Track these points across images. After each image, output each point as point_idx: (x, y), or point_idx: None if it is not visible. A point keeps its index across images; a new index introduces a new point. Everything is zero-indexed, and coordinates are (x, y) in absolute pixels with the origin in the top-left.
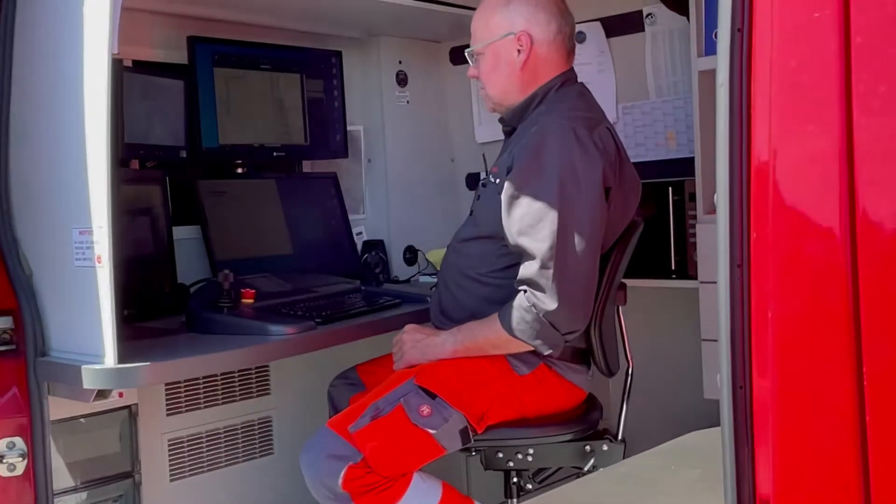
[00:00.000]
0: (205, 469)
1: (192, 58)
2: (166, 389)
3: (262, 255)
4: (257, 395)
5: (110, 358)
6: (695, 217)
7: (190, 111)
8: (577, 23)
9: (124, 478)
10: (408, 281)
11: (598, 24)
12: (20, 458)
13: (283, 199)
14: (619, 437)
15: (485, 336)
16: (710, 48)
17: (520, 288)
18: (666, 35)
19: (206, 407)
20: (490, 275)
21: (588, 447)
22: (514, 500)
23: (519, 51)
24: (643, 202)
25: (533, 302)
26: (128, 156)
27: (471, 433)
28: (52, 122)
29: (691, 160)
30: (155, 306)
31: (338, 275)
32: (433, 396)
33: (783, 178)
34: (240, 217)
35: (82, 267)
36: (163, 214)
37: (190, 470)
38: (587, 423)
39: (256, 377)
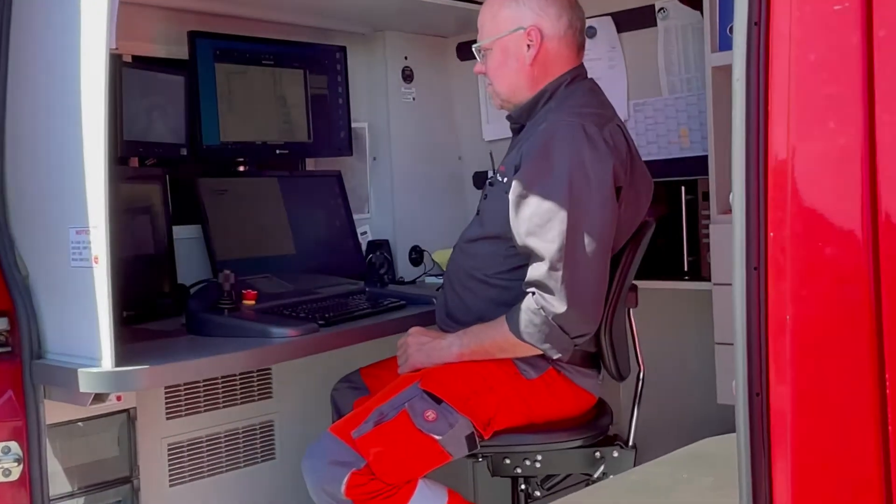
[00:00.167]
0: (205, 474)
1: (193, 53)
2: (166, 393)
3: (264, 255)
4: (259, 399)
5: (108, 360)
6: (708, 217)
7: (190, 108)
8: (588, 17)
9: (123, 483)
10: (413, 282)
11: (608, 18)
12: (15, 463)
13: (285, 198)
14: (630, 444)
15: (492, 339)
16: (724, 43)
17: (528, 290)
18: (679, 30)
19: (206, 410)
20: (497, 276)
21: (598, 454)
22: None
23: (529, 46)
24: (655, 201)
25: (541, 304)
26: (127, 153)
27: (477, 439)
28: (49, 118)
29: (704, 158)
30: (154, 308)
31: (341, 275)
32: (438, 401)
33: (802, 177)
34: (241, 216)
35: (79, 267)
36: (162, 213)
37: (190, 475)
38: (597, 429)
39: (258, 380)
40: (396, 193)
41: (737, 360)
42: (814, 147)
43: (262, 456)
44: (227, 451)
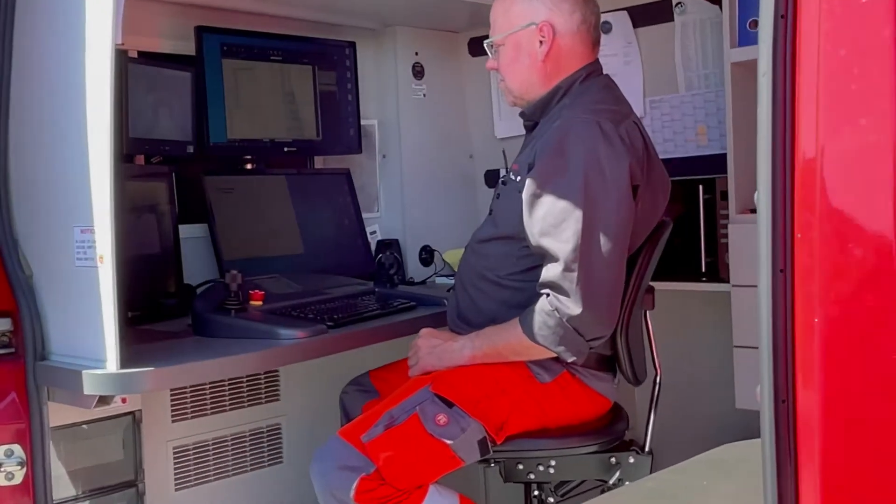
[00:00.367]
0: (211, 478)
1: (200, 48)
2: (171, 395)
3: (272, 254)
4: (266, 402)
5: (112, 362)
6: (727, 217)
7: (197, 104)
8: (603, 12)
9: (127, 487)
10: (423, 283)
11: (624, 13)
12: (19, 467)
13: (293, 197)
14: (647, 449)
15: (505, 342)
16: (743, 38)
17: (542, 291)
18: (696, 25)
19: (212, 413)
20: (510, 277)
21: (613, 459)
22: None
23: (541, 42)
24: (672, 201)
25: (556, 306)
26: (132, 151)
27: (489, 444)
28: (54, 115)
29: (723, 156)
30: (159, 308)
31: (350, 276)
32: (450, 405)
33: (831, 175)
34: (249, 215)
35: (84, 267)
36: (168, 212)
37: (196, 479)
38: (612, 434)
39: (265, 383)
40: (406, 192)
41: (762, 365)
42: (844, 145)
43: (269, 460)
44: (233, 454)
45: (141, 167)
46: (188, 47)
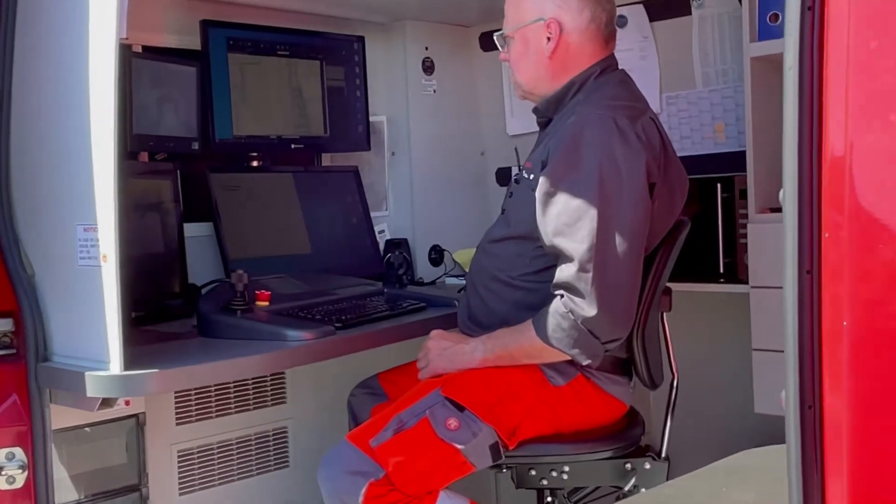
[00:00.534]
0: (216, 482)
1: (206, 43)
2: (175, 397)
3: (279, 254)
4: (272, 404)
5: (116, 364)
6: (746, 216)
7: (203, 100)
8: (619, 6)
9: (131, 491)
10: (433, 283)
11: (640, 7)
12: (20, 470)
13: (300, 195)
14: (663, 455)
15: (517, 344)
16: (764, 32)
17: (556, 292)
18: (714, 19)
19: (217, 416)
20: (523, 278)
21: (629, 465)
22: None
23: (548, 38)
24: (688, 200)
25: (570, 307)
26: (136, 147)
27: (501, 449)
28: (56, 111)
29: (742, 154)
30: (164, 309)
31: (359, 276)
32: (461, 409)
33: (861, 173)
34: (255, 213)
35: (87, 266)
36: (173, 210)
37: (200, 483)
38: (628, 440)
39: (271, 385)
40: (416, 190)
41: (787, 369)
42: (874, 141)
43: (275, 464)
44: (238, 458)
45: (145, 164)
46: (193, 42)
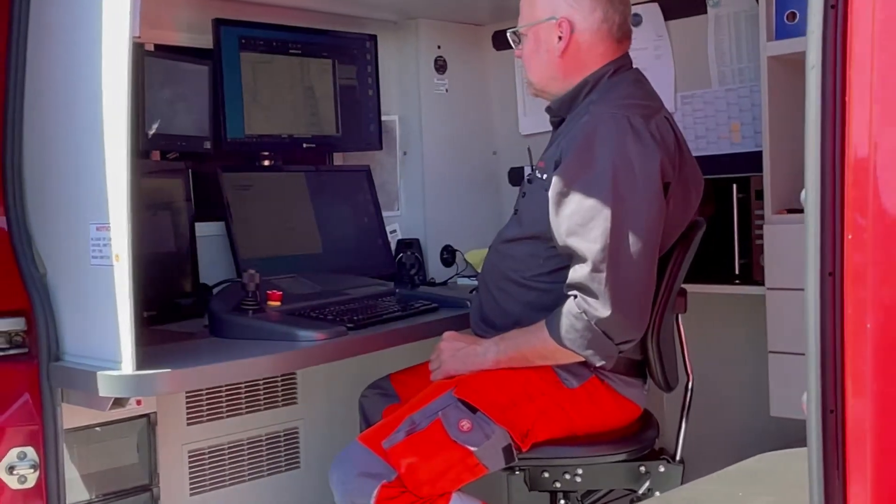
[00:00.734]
0: (227, 483)
1: (218, 41)
2: (187, 397)
3: (290, 254)
4: (283, 405)
5: (128, 364)
6: (762, 217)
7: (215, 99)
8: (633, 4)
9: (142, 491)
10: (445, 283)
11: (655, 5)
12: (32, 470)
13: (312, 194)
14: (678, 458)
15: (530, 345)
16: (781, 31)
17: (569, 293)
18: (731, 17)
19: (228, 416)
20: (536, 279)
21: (643, 468)
22: None
23: (560, 37)
24: (704, 200)
25: (584, 308)
26: (148, 147)
27: (515, 451)
28: (69, 110)
29: (758, 154)
30: (175, 308)
31: (370, 276)
32: (474, 410)
33: (885, 173)
34: (266, 213)
35: (99, 265)
36: (185, 209)
37: (211, 483)
38: (642, 442)
39: (283, 385)
40: (428, 190)
41: (809, 372)
42: None
43: (286, 464)
44: (249, 458)
45: (157, 163)
46: (206, 40)
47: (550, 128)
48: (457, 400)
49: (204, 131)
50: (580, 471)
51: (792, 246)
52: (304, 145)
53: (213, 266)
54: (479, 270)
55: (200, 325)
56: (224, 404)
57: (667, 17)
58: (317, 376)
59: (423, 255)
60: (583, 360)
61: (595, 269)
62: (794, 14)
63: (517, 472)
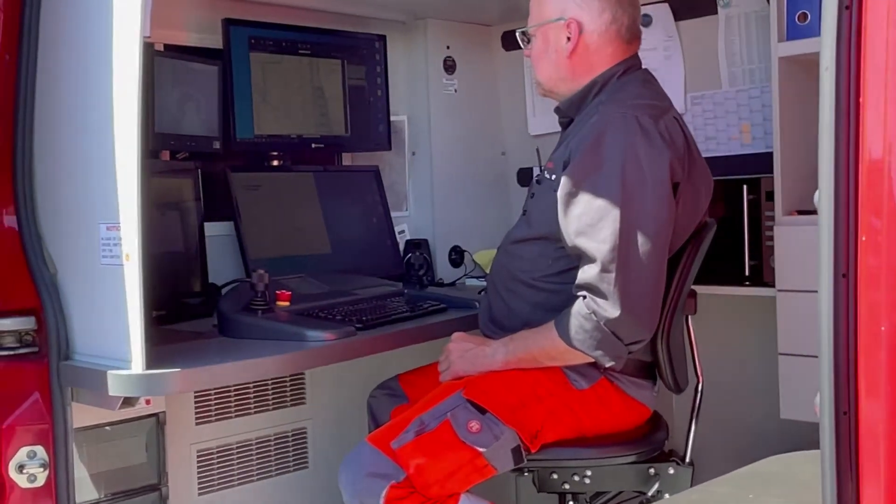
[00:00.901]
0: (235, 483)
1: (227, 42)
2: (196, 397)
3: (299, 254)
4: (292, 405)
5: (138, 363)
6: (773, 218)
7: (224, 99)
8: (643, 4)
9: (150, 490)
10: (453, 284)
11: (665, 6)
12: (41, 469)
13: (321, 194)
14: (687, 460)
15: (539, 346)
16: (792, 32)
17: (578, 294)
18: (741, 18)
19: (237, 416)
20: (545, 279)
21: (652, 470)
22: None
23: (568, 38)
24: (713, 201)
25: (593, 309)
26: (158, 146)
27: (523, 452)
28: (80, 110)
29: (768, 155)
30: (185, 308)
31: (379, 276)
32: (483, 411)
33: None
34: (275, 213)
35: (109, 265)
36: (194, 209)
37: (219, 483)
38: (651, 444)
39: (291, 385)
40: (436, 190)
41: (822, 374)
42: None
43: (294, 464)
44: (258, 458)
45: (166, 163)
46: (215, 40)
47: (559, 128)
48: (466, 401)
49: (213, 131)
50: (589, 472)
51: (802, 247)
52: (313, 145)
53: (222, 266)
54: (488, 271)
55: (209, 324)
56: (233, 404)
57: (677, 18)
58: (325, 376)
59: (432, 256)
60: (592, 360)
61: (604, 270)
62: (805, 15)
63: (526, 474)
